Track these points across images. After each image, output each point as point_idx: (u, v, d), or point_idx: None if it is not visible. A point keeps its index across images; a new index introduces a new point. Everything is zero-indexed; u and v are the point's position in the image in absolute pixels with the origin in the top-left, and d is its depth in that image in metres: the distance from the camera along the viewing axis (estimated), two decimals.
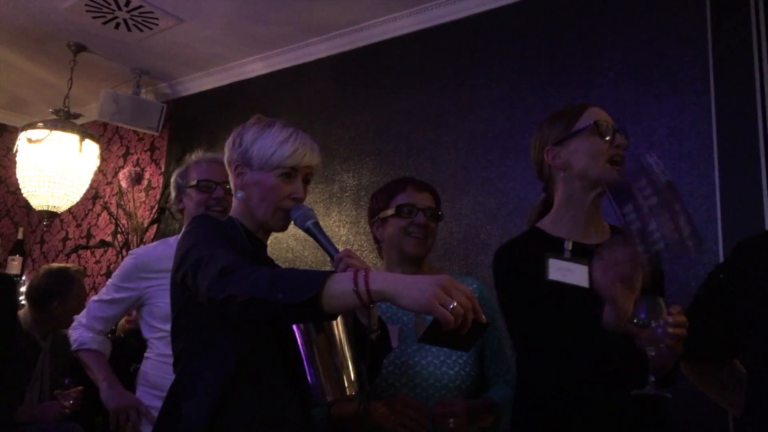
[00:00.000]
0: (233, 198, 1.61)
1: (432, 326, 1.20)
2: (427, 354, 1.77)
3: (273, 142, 1.52)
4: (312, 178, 1.60)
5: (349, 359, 1.45)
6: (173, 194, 2.37)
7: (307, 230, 1.51)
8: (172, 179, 2.37)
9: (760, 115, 2.33)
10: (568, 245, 1.58)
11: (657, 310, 1.36)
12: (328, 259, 1.48)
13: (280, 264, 2.81)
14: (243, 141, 1.56)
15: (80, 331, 2.35)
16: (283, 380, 1.45)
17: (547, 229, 1.64)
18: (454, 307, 1.13)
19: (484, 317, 1.20)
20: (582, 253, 1.56)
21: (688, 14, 2.58)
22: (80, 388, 2.85)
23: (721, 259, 2.29)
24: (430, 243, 1.89)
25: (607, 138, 1.58)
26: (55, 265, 3.43)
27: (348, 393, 1.43)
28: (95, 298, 2.42)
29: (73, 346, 2.36)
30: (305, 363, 1.44)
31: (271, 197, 1.51)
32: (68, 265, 3.51)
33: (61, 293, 3.06)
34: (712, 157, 2.40)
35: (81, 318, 2.39)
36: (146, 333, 2.32)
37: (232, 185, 1.61)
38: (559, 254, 1.56)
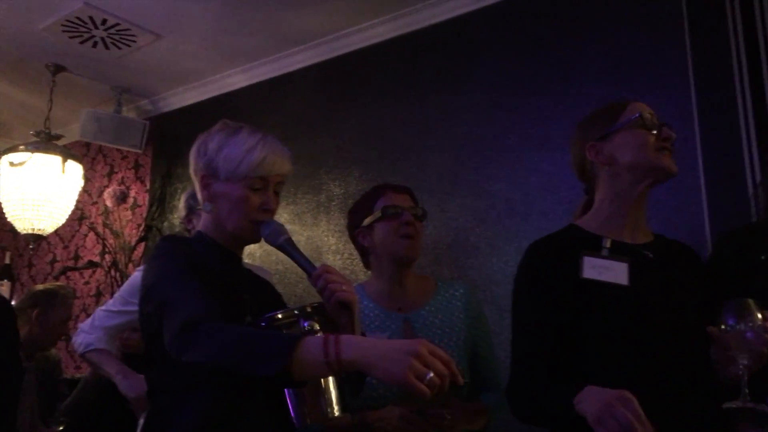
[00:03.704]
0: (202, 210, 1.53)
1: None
2: None
3: (240, 151, 1.43)
4: (283, 187, 1.51)
5: (330, 380, 1.37)
6: (183, 213, 2.37)
7: (279, 247, 1.44)
8: (183, 199, 2.37)
9: (740, 104, 2.33)
10: (606, 242, 1.49)
11: (747, 313, 1.25)
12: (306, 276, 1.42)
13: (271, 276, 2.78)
14: (208, 150, 1.47)
15: (83, 335, 2.37)
16: (263, 405, 1.38)
17: (584, 226, 1.56)
18: (430, 378, 1.07)
19: (461, 379, 1.14)
20: (623, 252, 1.48)
21: (665, 9, 2.59)
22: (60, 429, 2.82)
23: (710, 251, 2.29)
24: (419, 245, 1.88)
25: (654, 131, 1.51)
26: (48, 283, 3.43)
27: (329, 416, 1.36)
28: (102, 307, 2.45)
29: (80, 350, 2.37)
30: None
31: (240, 210, 1.43)
32: (59, 284, 3.49)
33: (44, 303, 3.04)
34: (695, 150, 2.41)
35: (84, 325, 2.41)
36: None
37: (199, 197, 1.53)
38: (596, 252, 1.48)
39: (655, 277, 1.49)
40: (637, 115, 1.53)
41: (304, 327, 1.36)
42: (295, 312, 1.39)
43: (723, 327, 1.27)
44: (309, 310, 1.39)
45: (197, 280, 1.31)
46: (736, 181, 2.30)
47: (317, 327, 1.37)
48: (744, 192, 2.27)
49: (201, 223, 1.54)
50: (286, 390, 1.36)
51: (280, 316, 1.38)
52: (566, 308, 1.45)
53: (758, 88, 2.31)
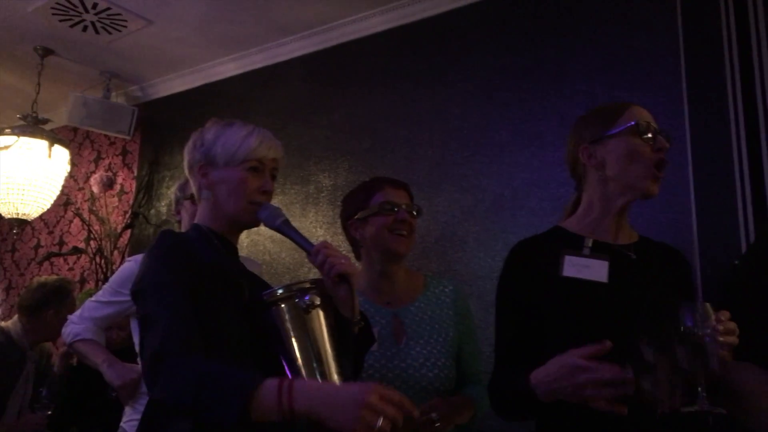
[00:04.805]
0: (198, 201, 1.58)
1: None
2: (407, 356, 1.76)
3: (237, 137, 1.52)
4: (278, 174, 1.59)
5: (331, 355, 1.40)
6: (173, 206, 2.42)
7: (278, 229, 1.48)
8: (172, 190, 2.39)
9: (731, 104, 2.35)
10: (588, 242, 1.50)
11: (704, 317, 1.23)
12: (306, 255, 1.45)
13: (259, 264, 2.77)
14: (205, 141, 1.56)
15: (72, 326, 2.37)
16: None
17: (569, 227, 1.58)
18: (380, 426, 1.14)
19: (416, 413, 1.21)
20: (604, 252, 1.49)
21: (659, 7, 2.59)
22: (48, 413, 2.83)
23: (697, 251, 2.31)
24: (412, 242, 1.88)
25: (648, 139, 1.49)
26: (51, 277, 3.44)
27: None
28: (92, 298, 2.44)
29: (68, 340, 2.37)
30: (284, 362, 1.39)
31: (240, 191, 1.50)
32: (62, 277, 3.55)
33: (57, 302, 3.10)
34: (685, 149, 2.41)
35: (73, 317, 2.42)
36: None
37: (195, 189, 1.59)
38: (577, 251, 1.49)
39: (635, 276, 1.50)
40: (632, 122, 1.51)
41: (305, 301, 1.40)
42: (295, 287, 1.42)
43: (681, 329, 1.25)
44: (308, 285, 1.43)
45: (184, 293, 1.35)
46: (724, 180, 2.31)
47: (317, 302, 1.41)
48: (732, 191, 2.28)
49: (198, 213, 1.58)
50: (286, 365, 1.39)
51: (279, 291, 1.41)
52: (546, 306, 1.47)
53: (749, 88, 2.32)
